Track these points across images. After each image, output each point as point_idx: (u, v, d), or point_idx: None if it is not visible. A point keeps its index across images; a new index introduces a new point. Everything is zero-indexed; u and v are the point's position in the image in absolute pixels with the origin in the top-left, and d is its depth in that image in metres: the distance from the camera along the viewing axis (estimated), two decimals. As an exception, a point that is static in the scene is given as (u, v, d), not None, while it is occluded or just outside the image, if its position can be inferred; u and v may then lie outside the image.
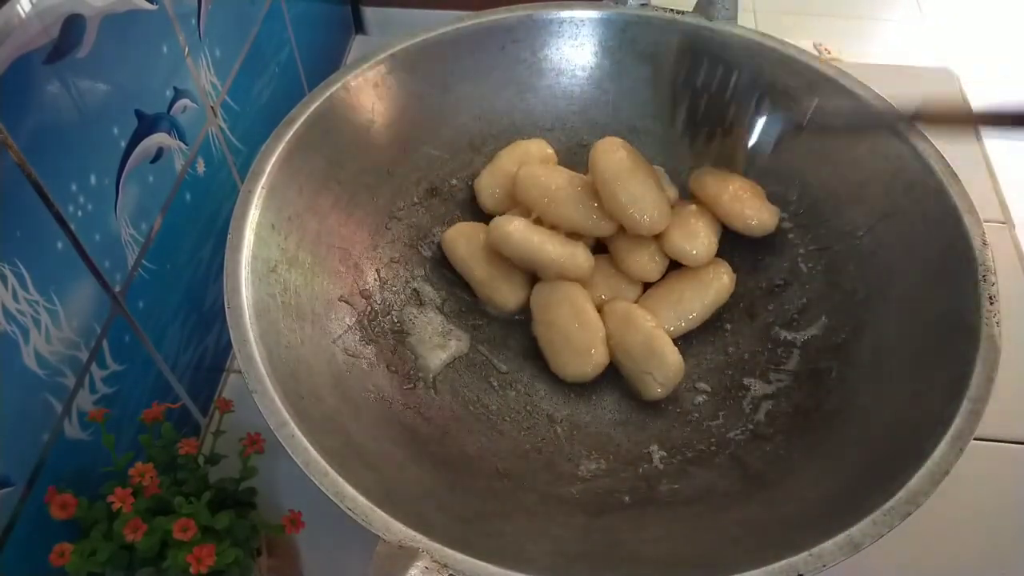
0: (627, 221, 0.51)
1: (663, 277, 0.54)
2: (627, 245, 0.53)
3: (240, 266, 0.42)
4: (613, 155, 0.51)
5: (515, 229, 0.50)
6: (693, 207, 0.54)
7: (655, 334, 0.49)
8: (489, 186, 0.57)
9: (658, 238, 0.53)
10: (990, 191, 0.71)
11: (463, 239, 0.54)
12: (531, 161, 0.56)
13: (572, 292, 0.51)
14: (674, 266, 0.54)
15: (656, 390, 0.48)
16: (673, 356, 0.48)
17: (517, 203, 0.55)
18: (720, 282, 0.52)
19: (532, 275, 0.54)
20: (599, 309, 0.51)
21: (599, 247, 0.55)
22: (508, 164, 0.57)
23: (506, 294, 0.53)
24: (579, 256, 0.51)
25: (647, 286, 0.54)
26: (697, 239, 0.52)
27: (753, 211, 0.53)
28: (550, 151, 0.58)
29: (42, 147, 0.34)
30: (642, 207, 0.50)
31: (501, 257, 0.52)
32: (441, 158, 0.58)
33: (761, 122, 0.55)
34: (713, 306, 0.52)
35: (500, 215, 0.54)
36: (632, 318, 0.50)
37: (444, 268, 0.56)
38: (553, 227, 0.52)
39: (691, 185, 0.56)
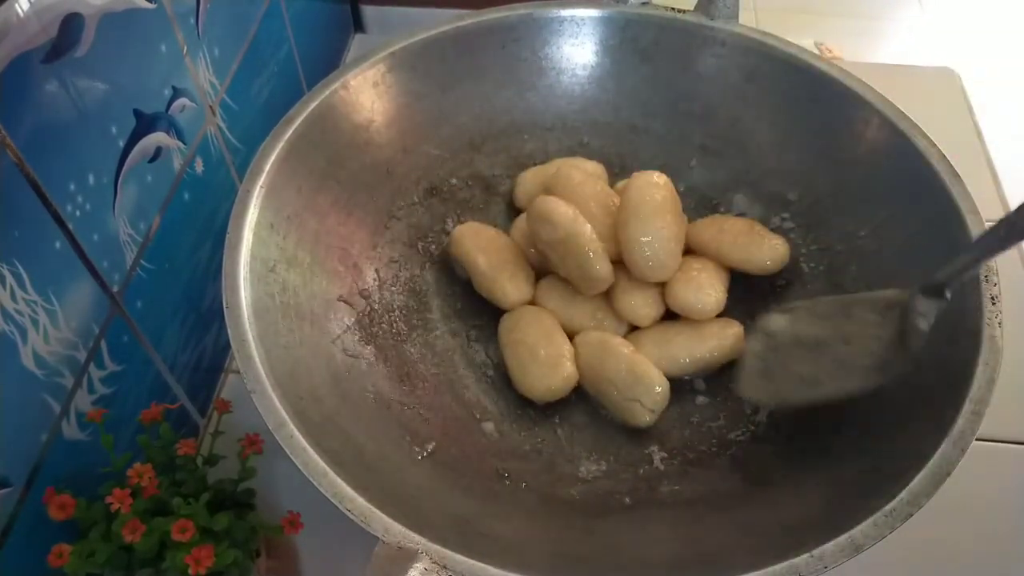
0: (633, 261, 0.49)
1: (661, 320, 0.51)
2: (625, 283, 0.50)
3: (239, 266, 0.42)
4: (647, 190, 0.48)
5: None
6: (697, 259, 0.52)
7: (636, 359, 0.47)
8: (528, 182, 0.58)
9: (660, 285, 0.51)
10: (992, 191, 0.70)
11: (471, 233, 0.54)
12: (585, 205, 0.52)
13: (540, 315, 0.51)
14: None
15: (645, 417, 0.47)
16: (659, 378, 0.47)
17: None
18: (720, 341, 0.49)
19: (536, 271, 0.54)
20: (571, 337, 0.50)
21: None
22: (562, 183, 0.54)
23: (510, 289, 0.52)
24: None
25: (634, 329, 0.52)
26: (702, 291, 0.49)
27: (763, 251, 0.51)
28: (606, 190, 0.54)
29: (40, 146, 0.34)
30: (653, 251, 0.48)
31: (504, 252, 0.53)
32: (441, 157, 0.58)
33: None
34: (705, 363, 0.49)
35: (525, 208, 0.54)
36: (608, 346, 0.48)
37: (444, 268, 0.56)
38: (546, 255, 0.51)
39: (688, 241, 0.53)
